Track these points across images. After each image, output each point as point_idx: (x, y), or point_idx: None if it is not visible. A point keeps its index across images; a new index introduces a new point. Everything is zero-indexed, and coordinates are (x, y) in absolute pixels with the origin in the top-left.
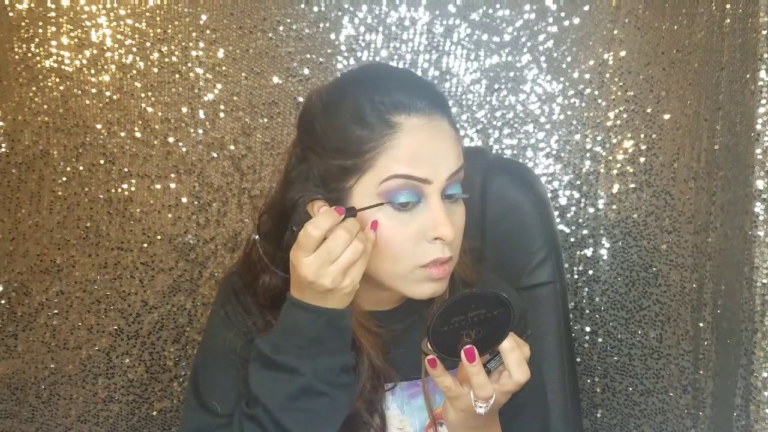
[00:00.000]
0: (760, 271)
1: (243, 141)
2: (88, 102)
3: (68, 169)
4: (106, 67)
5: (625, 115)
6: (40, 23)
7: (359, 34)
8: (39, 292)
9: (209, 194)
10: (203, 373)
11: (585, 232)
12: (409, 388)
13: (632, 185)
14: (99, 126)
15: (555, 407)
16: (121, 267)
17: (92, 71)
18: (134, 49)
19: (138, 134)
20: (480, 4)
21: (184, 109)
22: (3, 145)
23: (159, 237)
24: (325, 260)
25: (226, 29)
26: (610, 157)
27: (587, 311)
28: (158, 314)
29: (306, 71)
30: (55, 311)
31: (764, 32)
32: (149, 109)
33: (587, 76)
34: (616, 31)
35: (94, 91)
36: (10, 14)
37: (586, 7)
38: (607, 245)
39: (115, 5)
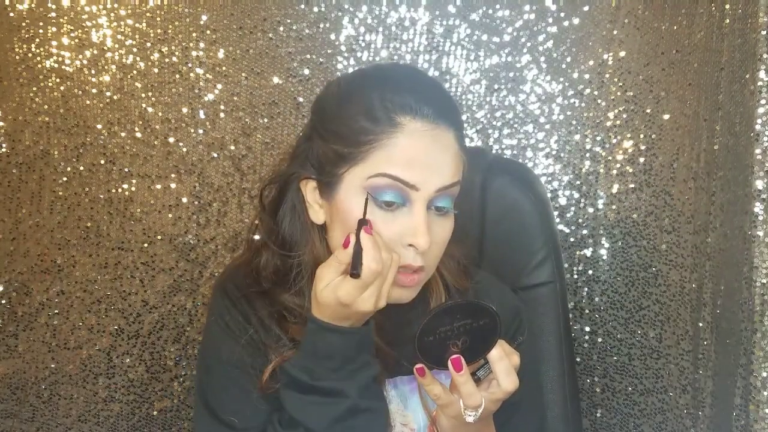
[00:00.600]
0: (760, 271)
1: (243, 141)
2: (88, 102)
3: (69, 169)
4: (106, 67)
5: (624, 116)
6: (41, 23)
7: (359, 34)
8: (39, 292)
9: (209, 194)
10: (211, 386)
11: (585, 232)
12: (411, 381)
13: (632, 185)
14: (99, 126)
15: (554, 407)
16: (121, 267)
17: (93, 71)
18: (135, 50)
19: (138, 134)
20: (480, 5)
21: (185, 110)
22: (4, 145)
23: (159, 237)
24: (380, 287)
25: (226, 29)
26: (610, 157)
27: (587, 311)
28: (159, 314)
29: (306, 71)
30: (56, 311)
31: (764, 32)
32: (150, 110)
33: (587, 76)
34: (615, 32)
35: (94, 91)
36: (11, 14)
37: (586, 8)
38: (607, 245)
39: (116, 6)
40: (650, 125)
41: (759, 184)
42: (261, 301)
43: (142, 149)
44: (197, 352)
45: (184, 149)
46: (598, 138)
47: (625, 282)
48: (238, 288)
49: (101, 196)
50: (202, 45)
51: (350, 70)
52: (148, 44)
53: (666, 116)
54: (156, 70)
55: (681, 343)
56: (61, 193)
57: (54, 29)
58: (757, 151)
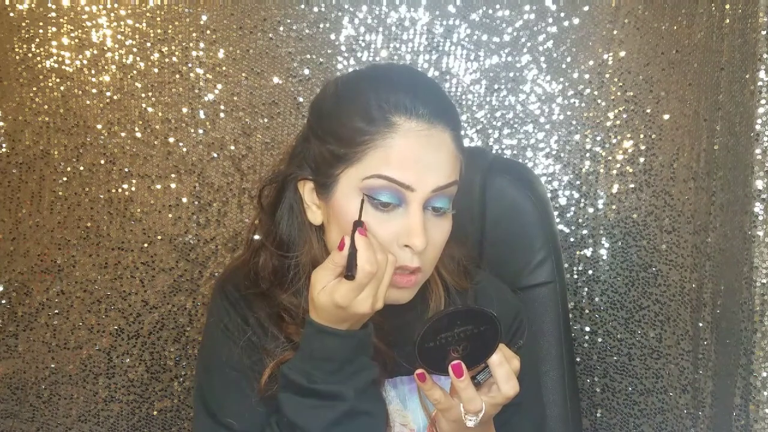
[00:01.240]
0: (760, 271)
1: (243, 141)
2: (88, 102)
3: (69, 169)
4: (106, 67)
5: (624, 116)
6: (41, 23)
7: (359, 34)
8: (40, 292)
9: (209, 194)
10: (210, 388)
11: (585, 232)
12: (411, 382)
13: (632, 185)
14: (99, 126)
15: (554, 407)
16: (121, 267)
17: (93, 71)
18: (135, 50)
19: (138, 134)
20: (480, 5)
21: (185, 110)
22: (4, 145)
23: (159, 237)
24: (378, 290)
25: (226, 29)
26: (610, 157)
27: (587, 311)
28: (159, 314)
29: (306, 71)
30: (56, 311)
31: (764, 32)
32: (150, 110)
33: (587, 76)
34: (615, 32)
35: (94, 91)
36: (11, 14)
37: (586, 8)
38: (607, 245)
39: (116, 5)
40: (650, 125)
41: (759, 184)
42: (259, 303)
43: (142, 149)
44: (197, 353)
45: (184, 149)
46: (598, 138)
47: (625, 282)
48: (237, 289)
49: (101, 196)
50: (202, 45)
51: (350, 70)
52: (148, 44)
53: (666, 116)
54: (156, 70)
55: (681, 343)
56: (61, 193)
57: (54, 29)
58: (757, 151)
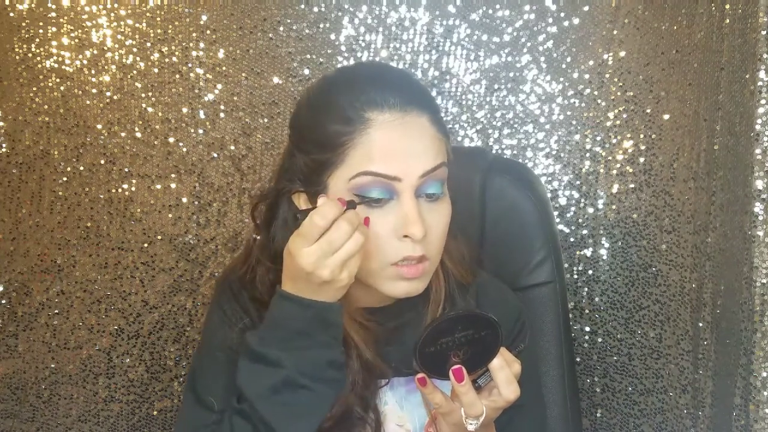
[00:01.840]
0: (760, 271)
1: (243, 141)
2: (88, 102)
3: (69, 169)
4: (106, 67)
5: (624, 116)
6: (41, 23)
7: (359, 34)
8: (40, 292)
9: (209, 194)
10: (200, 369)
11: (584, 232)
12: (408, 383)
13: (632, 185)
14: (99, 126)
15: (554, 407)
16: (121, 267)
17: (93, 71)
18: (135, 50)
19: (138, 134)
20: (480, 5)
21: (185, 110)
22: (3, 145)
23: (159, 237)
24: (326, 251)
25: (226, 29)
26: (610, 157)
27: (587, 311)
28: (159, 314)
29: (306, 71)
30: (56, 311)
31: (764, 32)
32: (150, 110)
33: (587, 76)
34: (615, 32)
35: (94, 91)
36: (11, 14)
37: (586, 8)
38: (607, 245)
39: (116, 5)
40: (650, 125)
41: (759, 184)
42: (260, 302)
43: (142, 149)
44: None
45: (184, 149)
46: (598, 138)
47: (625, 282)
48: (242, 284)
49: (101, 196)
50: (202, 45)
51: None
52: (148, 44)
53: (666, 116)
54: (156, 70)
55: (681, 343)
56: (61, 193)
57: (54, 29)
58: (757, 151)
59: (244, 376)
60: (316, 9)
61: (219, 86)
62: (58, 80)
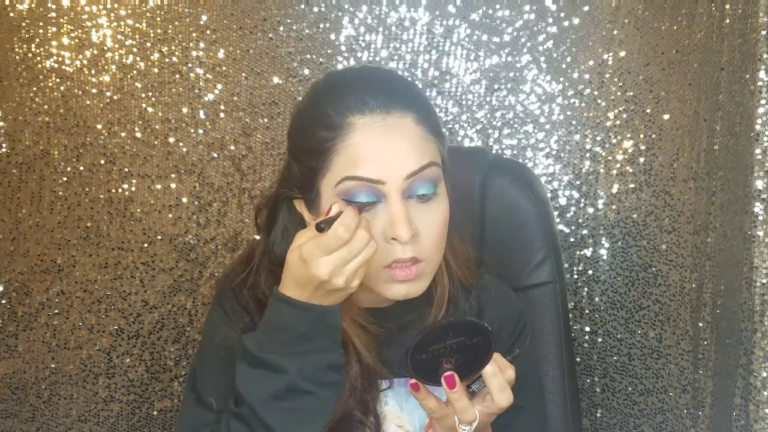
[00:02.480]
0: (760, 271)
1: (243, 141)
2: (88, 102)
3: (69, 169)
4: (106, 67)
5: (624, 115)
6: (41, 23)
7: (359, 34)
8: (40, 292)
9: (209, 194)
10: (200, 368)
11: (584, 232)
12: (408, 384)
13: (632, 185)
14: (99, 126)
15: (554, 407)
16: (121, 267)
17: (93, 71)
18: (135, 50)
19: (138, 134)
20: (480, 5)
21: (185, 110)
22: (3, 145)
23: (159, 237)
24: (345, 260)
25: (226, 29)
26: (610, 157)
27: (587, 311)
28: (159, 314)
29: (306, 71)
30: (56, 311)
31: (764, 32)
32: (150, 110)
33: (587, 76)
34: (615, 32)
35: (94, 91)
36: (11, 14)
37: (586, 8)
38: (607, 245)
39: (116, 5)
40: (650, 125)
41: (759, 184)
42: (261, 303)
43: (142, 149)
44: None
45: (184, 149)
46: (598, 138)
47: (625, 282)
48: (243, 284)
49: (101, 196)
50: (202, 45)
51: None
52: (148, 44)
53: (666, 116)
54: (156, 70)
55: (681, 343)
56: (61, 193)
57: (54, 29)
58: (757, 151)
59: (243, 381)
60: (316, 9)
61: (219, 86)
62: (58, 80)
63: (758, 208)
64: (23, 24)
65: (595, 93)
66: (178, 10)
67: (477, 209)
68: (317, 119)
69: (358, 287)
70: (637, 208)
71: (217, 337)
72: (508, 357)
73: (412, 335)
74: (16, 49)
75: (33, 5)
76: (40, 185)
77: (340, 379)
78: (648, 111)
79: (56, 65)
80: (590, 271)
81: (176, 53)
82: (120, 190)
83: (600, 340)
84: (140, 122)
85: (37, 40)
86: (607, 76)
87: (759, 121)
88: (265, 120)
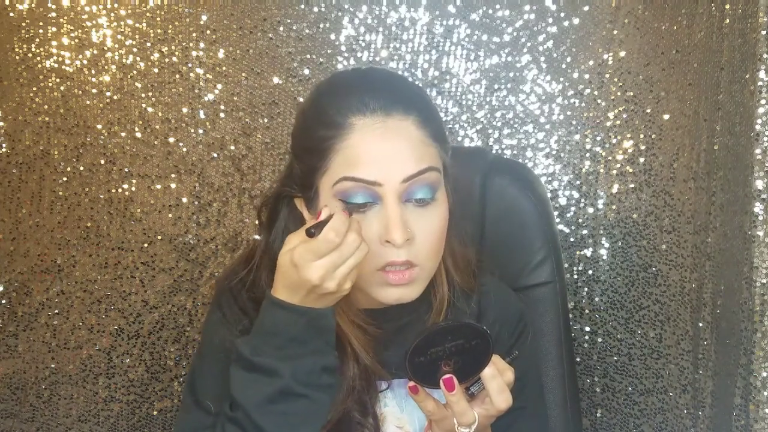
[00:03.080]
0: (760, 271)
1: (243, 141)
2: (88, 102)
3: (69, 169)
4: (106, 67)
5: (624, 116)
6: (41, 23)
7: (359, 34)
8: (40, 292)
9: (210, 194)
10: (199, 371)
11: (584, 232)
12: (407, 385)
13: (632, 185)
14: (99, 126)
15: (555, 407)
16: (121, 267)
17: (93, 71)
18: (135, 50)
19: (138, 134)
20: (480, 5)
21: (185, 110)
22: (3, 145)
23: (159, 237)
24: (335, 264)
25: (226, 29)
26: (610, 157)
27: (587, 311)
28: (159, 314)
29: (306, 71)
30: (56, 311)
31: (764, 32)
32: (150, 110)
33: (587, 76)
34: (615, 32)
35: (94, 91)
36: (11, 14)
37: (586, 8)
38: (607, 245)
39: (116, 5)
40: (650, 125)
41: (759, 184)
42: (260, 303)
43: (142, 149)
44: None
45: (184, 149)
46: (598, 138)
47: (625, 282)
48: (242, 285)
49: (101, 196)
50: (202, 45)
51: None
52: (148, 44)
53: (666, 116)
54: (156, 70)
55: (681, 343)
56: (61, 193)
57: (54, 29)
58: (757, 151)
59: (238, 386)
60: (316, 9)
61: (219, 86)
62: (58, 80)
63: (758, 208)
64: (23, 24)
65: (595, 93)
66: (178, 10)
67: (477, 209)
68: (318, 118)
69: (357, 289)
70: (637, 208)
71: (216, 339)
72: (507, 359)
73: (411, 337)
74: (16, 49)
75: (33, 5)
76: (40, 185)
77: (334, 382)
78: (648, 111)
79: (56, 65)
80: (590, 271)
81: (176, 53)
82: (120, 190)
83: (600, 340)
84: (140, 122)
85: (37, 40)
86: (607, 76)
87: (759, 121)
88: (265, 120)
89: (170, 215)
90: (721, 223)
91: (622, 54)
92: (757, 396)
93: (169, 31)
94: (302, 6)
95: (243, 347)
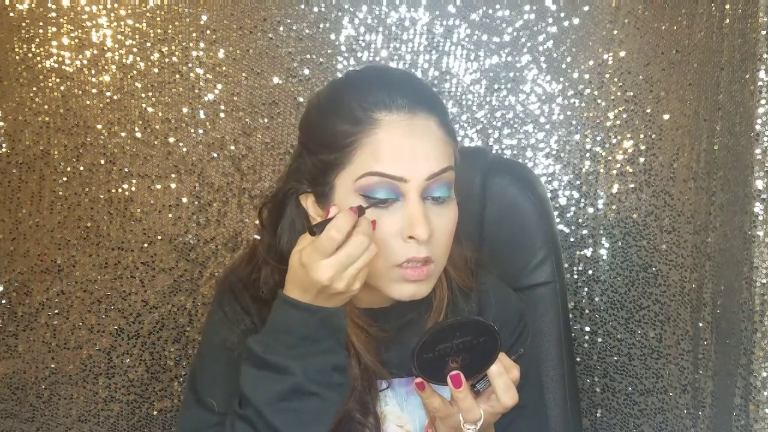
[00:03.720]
0: (760, 271)
1: (243, 141)
2: (88, 102)
3: (69, 169)
4: (106, 67)
5: (624, 115)
6: (41, 23)
7: (359, 34)
8: (40, 292)
9: (209, 194)
10: (201, 370)
11: (584, 232)
12: (408, 384)
13: (632, 185)
14: (99, 126)
15: (555, 407)
16: (121, 267)
17: (93, 71)
18: (135, 50)
19: (138, 134)
20: (480, 5)
21: (185, 110)
22: (4, 145)
23: (159, 237)
24: (344, 264)
25: (226, 29)
26: (610, 157)
27: (587, 311)
28: (159, 314)
29: (306, 71)
30: (56, 311)
31: (764, 32)
32: (150, 110)
33: (587, 76)
34: (615, 32)
35: (94, 91)
36: (11, 14)
37: (586, 8)
38: (607, 245)
39: (116, 5)
40: (650, 125)
41: (759, 184)
42: (263, 302)
43: (142, 149)
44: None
45: (184, 149)
46: (598, 138)
47: (625, 282)
48: (243, 285)
49: (101, 196)
50: (202, 45)
51: (350, 70)
52: (148, 44)
53: (666, 116)
54: (156, 70)
55: (681, 343)
56: (61, 193)
57: (54, 29)
58: (757, 151)
59: (249, 383)
60: (316, 9)
61: (219, 86)
62: (58, 80)
63: (758, 208)
64: (23, 24)
65: (595, 93)
66: (178, 10)
67: (477, 209)
68: (339, 113)
69: (361, 288)
70: (637, 208)
71: (217, 339)
72: (512, 356)
73: (411, 336)
74: (16, 49)
75: (33, 5)
76: (40, 185)
77: (345, 381)
78: (648, 111)
79: (56, 65)
80: (590, 271)
81: (176, 53)
82: (120, 190)
83: (600, 340)
84: (140, 122)
85: (37, 40)
86: (607, 76)
87: (759, 121)
88: (265, 120)
89: (170, 215)
90: (721, 223)
91: (622, 54)
92: (757, 396)
93: (169, 31)
94: (302, 6)
95: (255, 345)
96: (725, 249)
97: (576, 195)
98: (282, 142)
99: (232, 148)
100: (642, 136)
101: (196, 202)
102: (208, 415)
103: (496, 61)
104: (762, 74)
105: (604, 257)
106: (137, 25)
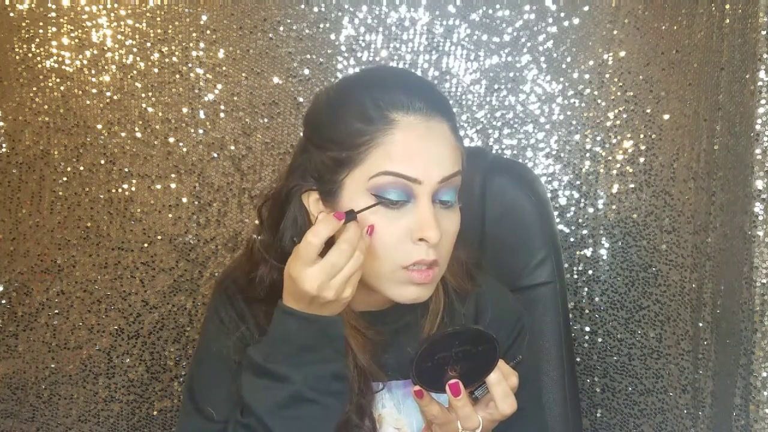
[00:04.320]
0: (760, 271)
1: (243, 141)
2: (88, 102)
3: (69, 169)
4: (106, 67)
5: (624, 116)
6: (41, 23)
7: (359, 34)
8: (40, 292)
9: (209, 194)
10: (199, 378)
11: (584, 232)
12: (405, 386)
13: (632, 185)
14: (99, 126)
15: (555, 407)
16: (121, 267)
17: (93, 71)
18: (135, 50)
19: (138, 134)
20: (480, 5)
21: (185, 110)
22: (4, 145)
23: (159, 237)
24: (330, 274)
25: (226, 29)
26: (610, 157)
27: (587, 311)
28: (159, 314)
29: (306, 71)
30: (56, 311)
31: (764, 32)
32: (150, 110)
33: (587, 76)
34: (615, 32)
35: (94, 91)
36: (11, 14)
37: (586, 8)
38: (607, 245)
39: (116, 5)
40: (650, 125)
41: (759, 184)
42: (258, 305)
43: (142, 149)
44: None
45: (184, 149)
46: (598, 138)
47: (625, 282)
48: (238, 287)
49: (101, 196)
50: (202, 45)
51: (350, 70)
52: (148, 44)
53: (666, 116)
54: (156, 70)
55: (681, 343)
56: (61, 193)
57: (54, 29)
58: (757, 151)
59: (250, 391)
60: (316, 9)
61: (219, 86)
62: (58, 80)
63: (758, 208)
64: (23, 24)
65: (595, 93)
66: (178, 10)
67: (477, 209)
68: (354, 110)
69: (358, 289)
70: (637, 208)
71: (214, 348)
72: (511, 363)
73: (408, 338)
74: (16, 49)
75: (33, 5)
76: (40, 185)
77: (344, 388)
78: (648, 111)
79: (56, 65)
80: (590, 271)
81: (176, 53)
82: (120, 190)
83: (600, 340)
84: (140, 122)
85: (37, 40)
86: (607, 76)
87: (759, 121)
88: (265, 120)
89: (170, 215)
90: (721, 223)
91: (622, 54)
92: (757, 396)
93: (169, 31)
94: (302, 6)
95: (255, 354)
96: (725, 249)
97: (576, 195)
98: (282, 142)
99: (232, 148)
100: (642, 136)
101: (196, 202)
102: (208, 424)
103: (496, 61)
104: (762, 74)
105: (604, 257)
106: (137, 25)
